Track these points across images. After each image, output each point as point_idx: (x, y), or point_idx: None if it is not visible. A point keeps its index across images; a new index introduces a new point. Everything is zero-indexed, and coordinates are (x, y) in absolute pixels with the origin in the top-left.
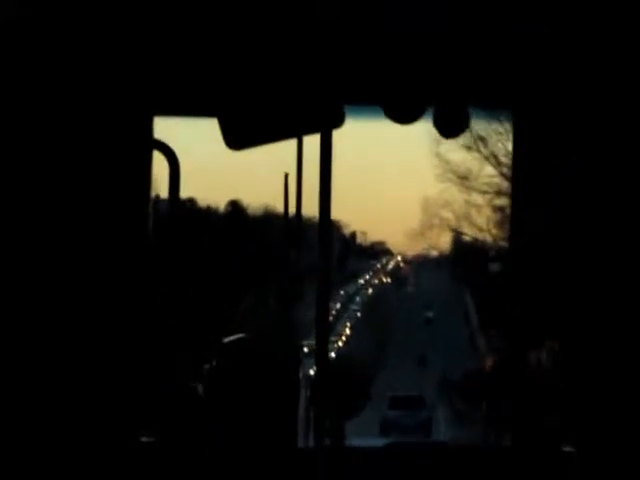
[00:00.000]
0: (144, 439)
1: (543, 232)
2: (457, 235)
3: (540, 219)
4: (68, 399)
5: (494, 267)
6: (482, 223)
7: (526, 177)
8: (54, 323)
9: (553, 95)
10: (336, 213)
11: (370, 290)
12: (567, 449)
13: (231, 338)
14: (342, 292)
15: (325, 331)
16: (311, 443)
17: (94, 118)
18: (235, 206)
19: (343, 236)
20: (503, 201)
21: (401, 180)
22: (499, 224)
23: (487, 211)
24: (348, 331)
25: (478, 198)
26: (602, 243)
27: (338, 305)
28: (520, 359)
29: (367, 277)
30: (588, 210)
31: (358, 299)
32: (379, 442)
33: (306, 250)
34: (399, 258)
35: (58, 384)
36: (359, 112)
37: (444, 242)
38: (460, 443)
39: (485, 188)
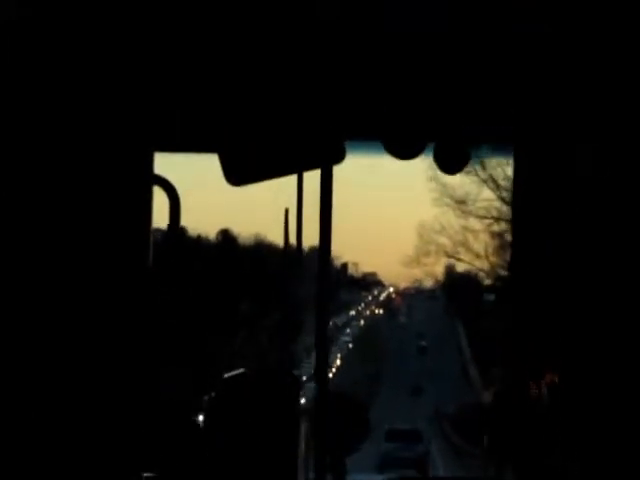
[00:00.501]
0: (145, 474)
1: (545, 262)
2: (450, 266)
3: (542, 247)
4: (65, 425)
5: (489, 298)
6: (479, 249)
7: (527, 204)
8: (51, 354)
9: (555, 125)
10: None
11: (362, 321)
12: None
13: (232, 373)
14: (331, 323)
15: (325, 366)
16: (311, 478)
17: (94, 154)
18: (226, 235)
19: (334, 267)
20: (502, 226)
21: (395, 205)
22: (497, 250)
23: (485, 237)
24: (339, 362)
25: (476, 223)
26: (605, 272)
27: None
28: (520, 392)
29: (359, 308)
30: (591, 237)
31: (349, 330)
32: (379, 477)
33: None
34: (391, 289)
35: (56, 404)
36: (359, 148)
37: (440, 270)
38: (459, 477)
39: (483, 213)
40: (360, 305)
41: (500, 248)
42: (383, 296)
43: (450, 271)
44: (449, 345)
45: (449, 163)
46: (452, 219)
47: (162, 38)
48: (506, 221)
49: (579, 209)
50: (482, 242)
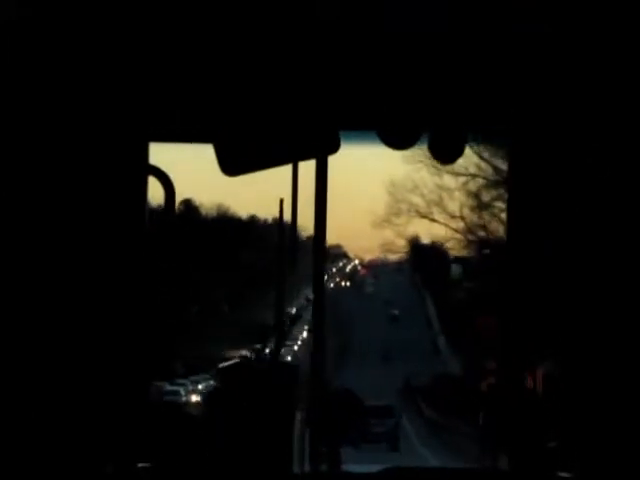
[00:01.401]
0: (140, 464)
1: (540, 253)
2: (415, 238)
3: (538, 239)
4: (58, 418)
5: (457, 269)
6: (455, 209)
7: (523, 194)
8: (45, 350)
9: (550, 112)
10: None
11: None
12: (564, 475)
13: (228, 363)
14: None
15: (322, 354)
16: (307, 468)
17: (90, 144)
18: (187, 205)
19: (299, 239)
20: (478, 183)
21: (363, 163)
22: (473, 211)
23: (460, 196)
24: (305, 334)
25: (451, 181)
26: (601, 264)
27: (294, 310)
28: (517, 381)
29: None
30: (587, 229)
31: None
32: (375, 467)
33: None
34: (356, 262)
35: (52, 399)
36: (354, 137)
37: (413, 230)
38: (456, 467)
39: (459, 169)
40: (325, 277)
41: (477, 208)
42: (349, 268)
43: (415, 243)
44: (417, 316)
45: (444, 152)
46: (426, 176)
47: (157, 30)
48: (483, 178)
49: (575, 200)
50: (457, 201)
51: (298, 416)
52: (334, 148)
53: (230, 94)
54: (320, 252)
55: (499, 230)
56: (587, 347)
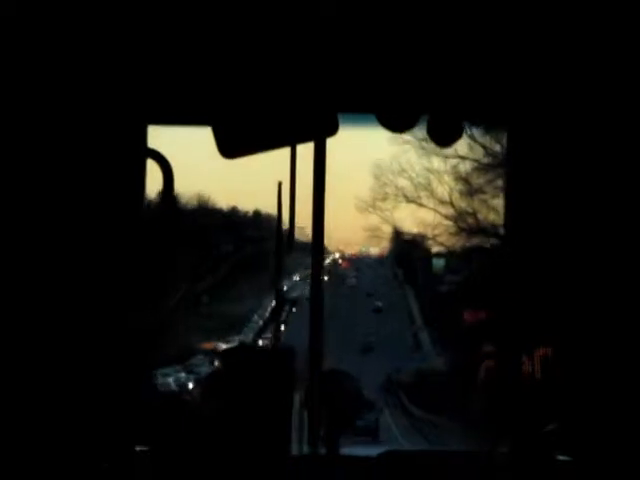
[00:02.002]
0: (138, 448)
1: (537, 238)
2: (397, 232)
3: (535, 224)
4: (55, 405)
5: (438, 263)
6: (444, 194)
7: (520, 181)
8: (40, 331)
9: (550, 99)
10: (273, 208)
11: (307, 288)
12: (563, 458)
13: (227, 346)
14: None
15: (320, 339)
16: (305, 451)
17: (87, 127)
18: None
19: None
20: (467, 167)
21: (348, 145)
22: (463, 196)
23: (450, 180)
24: (283, 327)
25: (440, 164)
26: (598, 247)
27: (273, 303)
28: (513, 366)
29: (305, 274)
30: (584, 213)
31: (295, 294)
32: (373, 451)
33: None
34: (337, 255)
35: (45, 389)
36: (353, 120)
37: (399, 218)
38: (454, 450)
39: (447, 151)
40: (306, 270)
41: (467, 193)
42: (328, 261)
43: (397, 237)
44: (399, 310)
45: (443, 136)
46: (413, 159)
47: (154, 13)
48: (473, 161)
49: (574, 187)
50: (447, 186)
51: (297, 399)
52: (333, 130)
53: (228, 77)
54: (319, 238)
55: (489, 217)
56: (585, 330)
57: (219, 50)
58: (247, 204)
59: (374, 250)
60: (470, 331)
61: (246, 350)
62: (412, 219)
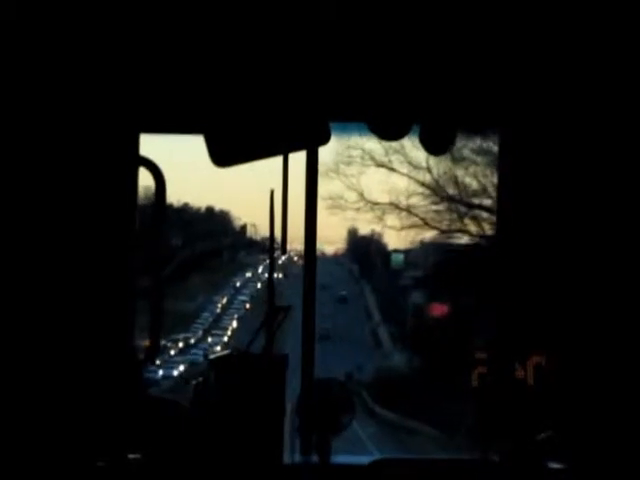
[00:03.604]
0: (130, 456)
1: (529, 244)
2: (353, 230)
3: (527, 232)
4: (49, 404)
5: (398, 258)
6: (419, 158)
7: (512, 187)
8: (33, 333)
9: (541, 108)
10: (227, 204)
11: (259, 284)
12: (555, 466)
13: (219, 354)
14: (231, 285)
15: (312, 344)
16: (297, 459)
17: (79, 135)
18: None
19: (232, 229)
20: None
21: None
22: (443, 161)
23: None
24: (235, 324)
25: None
26: (590, 254)
27: (225, 300)
28: (506, 373)
29: (258, 271)
30: (577, 215)
31: (247, 291)
32: (365, 458)
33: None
34: (292, 253)
35: (39, 390)
36: (345, 129)
37: (366, 184)
38: (447, 457)
39: None
40: (258, 268)
41: (451, 160)
42: (282, 260)
43: (353, 234)
44: (356, 306)
45: (435, 144)
46: None
47: (147, 21)
48: None
49: (566, 191)
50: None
51: (289, 406)
52: (325, 139)
53: (221, 85)
54: (311, 246)
55: (473, 185)
56: (579, 337)
57: (212, 59)
58: (200, 201)
59: (329, 249)
60: (436, 327)
61: (238, 357)
62: (382, 186)
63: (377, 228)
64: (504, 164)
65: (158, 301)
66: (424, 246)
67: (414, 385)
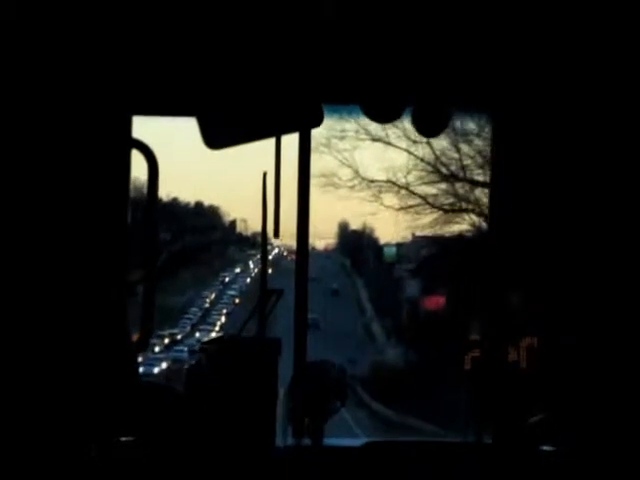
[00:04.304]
0: (123, 438)
1: (522, 227)
2: (343, 224)
3: (520, 213)
4: (40, 397)
5: (390, 251)
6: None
7: (505, 175)
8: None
9: (536, 94)
10: (216, 199)
11: (248, 279)
12: (547, 448)
13: (210, 338)
14: (219, 281)
15: (304, 331)
16: (289, 442)
17: (71, 117)
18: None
19: (222, 224)
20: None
21: None
22: (444, 135)
23: None
24: (224, 319)
25: None
26: (583, 237)
27: (213, 295)
28: (499, 355)
29: (250, 265)
30: (569, 202)
31: (236, 286)
32: (357, 441)
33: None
34: (281, 248)
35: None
36: (338, 111)
37: (361, 160)
38: (438, 440)
39: None
40: (248, 263)
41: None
42: (273, 254)
43: (344, 228)
44: (348, 300)
45: (428, 126)
46: None
47: (139, 4)
48: None
49: (560, 179)
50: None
51: (281, 390)
52: (317, 121)
53: (213, 68)
54: (303, 232)
55: (477, 161)
56: (571, 320)
57: (204, 41)
58: (188, 195)
59: (319, 243)
60: (432, 319)
61: (229, 341)
62: (378, 162)
63: (372, 208)
64: (498, 150)
65: (150, 287)
66: (416, 239)
67: (411, 379)
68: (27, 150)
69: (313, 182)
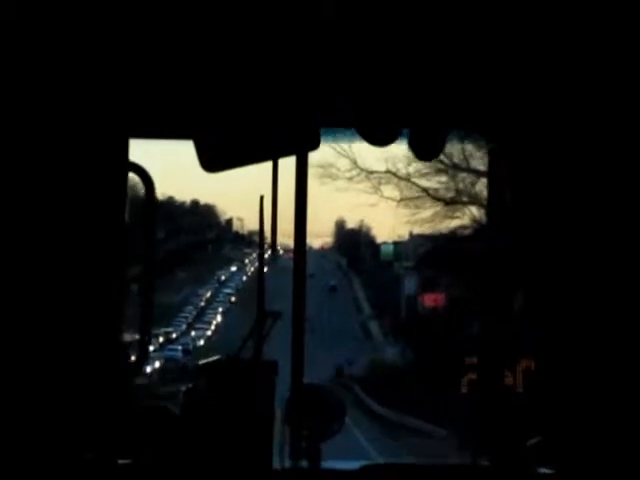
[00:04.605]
0: (120, 461)
1: (519, 246)
2: (340, 222)
3: (519, 228)
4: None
5: (387, 249)
6: None
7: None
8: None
9: (532, 108)
10: (212, 198)
11: (244, 277)
12: (545, 471)
13: (207, 360)
14: (215, 279)
15: (301, 348)
16: (287, 464)
17: (69, 140)
18: None
19: (218, 223)
20: None
21: None
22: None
23: None
24: (220, 318)
25: None
26: (582, 256)
27: (209, 293)
28: (496, 378)
29: (245, 261)
30: (566, 215)
31: (232, 284)
32: (356, 464)
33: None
34: (278, 247)
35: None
36: (334, 134)
37: (359, 150)
38: (437, 463)
39: None
40: (244, 261)
41: None
42: (268, 254)
43: (340, 227)
44: (345, 298)
45: (424, 149)
46: None
47: (137, 26)
48: None
49: (558, 198)
50: None
51: (278, 412)
52: (314, 144)
53: (210, 91)
54: (301, 250)
55: (480, 150)
56: (569, 342)
57: (201, 64)
58: (184, 195)
59: (315, 242)
60: (431, 318)
61: (227, 363)
62: (378, 152)
63: (373, 199)
64: (493, 172)
65: (148, 308)
66: (413, 238)
67: (409, 378)
68: (26, 171)
69: (310, 173)
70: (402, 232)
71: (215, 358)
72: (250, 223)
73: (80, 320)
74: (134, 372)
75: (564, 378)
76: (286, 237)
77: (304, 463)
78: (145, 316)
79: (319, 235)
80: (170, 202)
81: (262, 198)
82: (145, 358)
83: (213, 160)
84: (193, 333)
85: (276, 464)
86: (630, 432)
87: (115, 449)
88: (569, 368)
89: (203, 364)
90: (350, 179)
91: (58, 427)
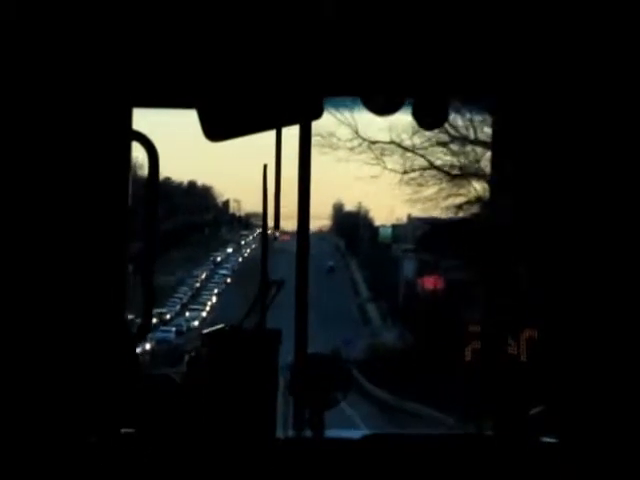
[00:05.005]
0: (124, 430)
1: (522, 217)
2: (338, 205)
3: (520, 205)
4: (42, 390)
5: (386, 232)
6: None
7: (506, 166)
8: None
9: (535, 88)
10: (209, 179)
11: (240, 258)
12: (548, 440)
13: (212, 328)
14: (211, 259)
15: (304, 320)
16: (290, 434)
17: (72, 110)
18: None
19: (215, 205)
20: None
21: None
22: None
23: None
24: (215, 299)
25: None
26: (583, 229)
27: (204, 275)
28: (500, 347)
29: (242, 243)
30: (570, 196)
31: (228, 265)
32: (358, 432)
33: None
34: (273, 230)
35: (33, 375)
36: (338, 103)
37: (361, 119)
38: (439, 433)
39: None
40: (240, 243)
41: None
42: (271, 228)
43: (339, 210)
44: (342, 280)
45: (428, 119)
46: None
47: None
48: None
49: (560, 166)
50: None
51: (281, 381)
52: (318, 114)
53: (214, 60)
54: (304, 223)
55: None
56: (571, 312)
57: (205, 33)
58: (182, 175)
59: (313, 225)
60: (430, 301)
61: (231, 333)
62: (381, 121)
63: (376, 171)
64: (499, 137)
65: (149, 277)
66: (411, 221)
67: (408, 362)
68: (29, 144)
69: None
70: (400, 215)
71: (218, 327)
72: (247, 205)
73: (84, 294)
74: (138, 341)
75: (567, 348)
76: (282, 220)
77: (307, 432)
78: (147, 284)
79: (318, 217)
80: (167, 183)
81: (265, 167)
82: (149, 327)
83: (216, 129)
84: (187, 314)
85: (279, 433)
86: (632, 401)
87: (119, 419)
88: (572, 338)
89: (206, 333)
90: (351, 149)
91: (63, 408)
